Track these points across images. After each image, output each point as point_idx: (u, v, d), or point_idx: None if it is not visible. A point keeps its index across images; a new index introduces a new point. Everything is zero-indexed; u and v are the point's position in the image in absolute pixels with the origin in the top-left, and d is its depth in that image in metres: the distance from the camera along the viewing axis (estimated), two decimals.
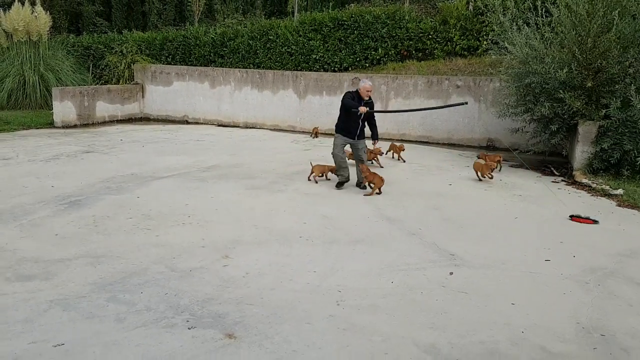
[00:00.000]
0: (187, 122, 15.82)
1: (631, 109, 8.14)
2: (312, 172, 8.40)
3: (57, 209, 6.65)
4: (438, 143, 12.68)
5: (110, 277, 4.73)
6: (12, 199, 7.00)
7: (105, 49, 17.64)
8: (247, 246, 5.58)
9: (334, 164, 8.21)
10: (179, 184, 8.09)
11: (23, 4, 15.85)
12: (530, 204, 7.38)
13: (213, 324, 3.94)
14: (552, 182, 8.86)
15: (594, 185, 8.22)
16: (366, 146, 8.10)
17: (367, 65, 14.93)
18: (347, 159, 8.20)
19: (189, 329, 3.87)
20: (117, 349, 3.59)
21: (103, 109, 15.14)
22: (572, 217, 6.32)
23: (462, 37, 13.84)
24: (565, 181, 8.89)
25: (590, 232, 6.24)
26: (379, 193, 7.65)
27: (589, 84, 8.65)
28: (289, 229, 6.14)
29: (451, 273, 5.00)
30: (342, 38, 14.94)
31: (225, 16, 20.57)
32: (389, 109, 13.10)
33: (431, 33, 14.09)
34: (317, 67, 15.28)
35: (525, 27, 9.47)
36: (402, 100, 13.00)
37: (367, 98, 7.73)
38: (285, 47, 15.57)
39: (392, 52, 14.64)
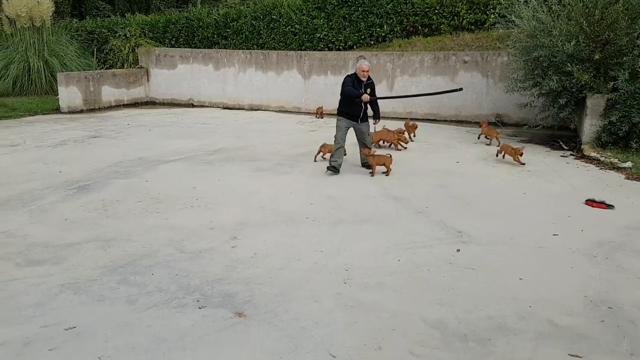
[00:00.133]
0: (193, 106, 15.81)
1: (639, 81, 8.02)
2: (319, 152, 8.39)
3: (66, 194, 6.72)
4: (445, 120, 12.60)
5: (121, 260, 4.80)
6: (21, 185, 7.07)
7: (109, 33, 17.59)
8: (254, 227, 5.62)
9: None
10: (186, 168, 8.12)
11: None
12: (539, 179, 7.35)
13: (223, 304, 3.99)
14: (561, 156, 8.80)
15: (602, 159, 8.16)
16: (369, 130, 7.88)
17: (372, 42, 14.77)
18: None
19: (199, 308, 3.93)
20: (128, 330, 3.65)
21: (109, 93, 15.14)
22: (587, 202, 6.18)
23: (469, 11, 13.62)
24: (574, 155, 8.83)
25: None
26: (385, 174, 7.61)
27: (597, 57, 8.52)
28: (296, 210, 6.16)
29: (458, 250, 5.01)
30: (347, 15, 14.76)
31: None
32: (395, 86, 13.01)
33: (437, 7, 13.87)
34: (322, 46, 15.15)
35: None
36: (409, 78, 12.89)
37: (365, 79, 7.50)
38: (289, 27, 15.42)
39: (398, 28, 14.45)
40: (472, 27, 13.74)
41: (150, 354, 3.37)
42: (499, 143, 9.21)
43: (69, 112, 13.92)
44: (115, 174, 7.72)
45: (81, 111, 14.26)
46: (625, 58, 8.38)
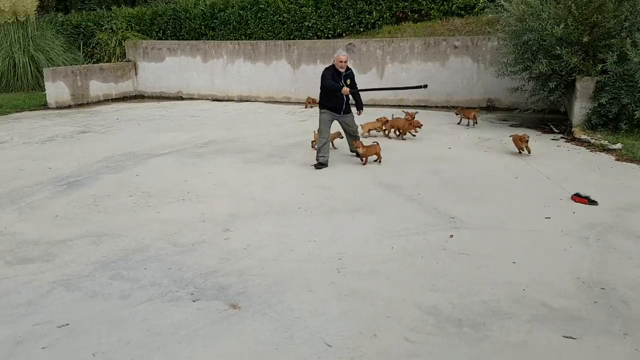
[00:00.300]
0: (182, 98, 15.69)
1: (628, 63, 8.04)
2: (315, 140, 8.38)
3: (56, 191, 6.65)
4: (437, 106, 12.59)
5: (113, 255, 4.76)
6: (9, 183, 6.99)
7: (95, 27, 17.36)
8: (246, 219, 5.59)
9: (338, 131, 8.19)
10: (177, 161, 8.07)
11: None
12: (530, 163, 7.36)
13: (217, 296, 3.98)
14: (552, 139, 8.82)
15: (592, 141, 8.19)
16: (354, 121, 7.73)
17: (362, 29, 14.68)
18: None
19: (193, 301, 3.91)
20: (123, 325, 3.63)
21: (97, 88, 14.98)
22: (573, 196, 5.93)
23: None
24: (564, 138, 8.85)
25: (590, 187, 6.22)
26: (377, 162, 7.59)
27: (586, 39, 8.52)
28: (288, 201, 6.14)
29: (451, 236, 5.02)
30: (335, 3, 14.65)
31: None
32: (385, 73, 12.96)
33: None
34: (310, 34, 15.04)
35: None
36: (399, 65, 12.84)
37: (343, 70, 7.34)
38: (277, 16, 15.29)
39: (387, 14, 14.36)
40: (462, 11, 13.69)
41: (145, 348, 3.35)
42: (475, 122, 10.03)
43: (57, 108, 13.77)
44: (106, 169, 7.65)
45: (69, 106, 14.11)
46: (613, 40, 8.39)
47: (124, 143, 9.38)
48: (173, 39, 16.72)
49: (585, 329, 3.45)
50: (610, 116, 8.40)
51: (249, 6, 15.67)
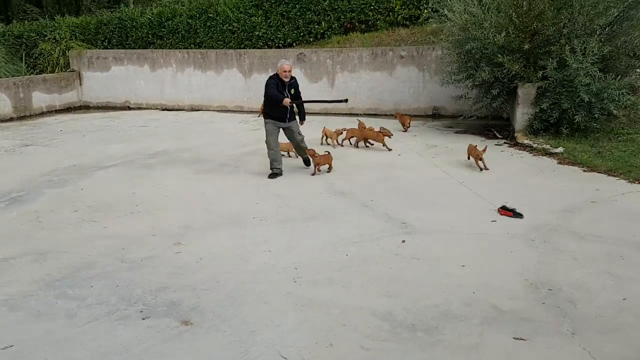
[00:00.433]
0: (129, 108, 15.29)
1: (567, 69, 8.42)
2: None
3: None
4: (386, 114, 12.76)
5: (58, 273, 4.58)
6: None
7: (38, 37, 16.71)
8: (199, 231, 5.50)
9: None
10: (125, 173, 7.85)
11: None
12: (476, 168, 7.57)
13: (168, 313, 3.88)
14: (496, 145, 9.11)
15: (535, 145, 8.52)
16: (299, 129, 7.59)
17: (312, 39, 14.77)
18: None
19: (143, 319, 3.80)
20: (69, 346, 3.48)
21: (40, 99, 14.41)
22: (499, 209, 5.79)
23: (403, 7, 13.86)
24: (507, 143, 9.17)
25: (534, 190, 6.48)
26: (328, 171, 7.56)
27: (526, 47, 8.87)
28: (242, 211, 6.08)
29: (403, 241, 5.10)
30: (285, 13, 14.69)
31: None
32: (336, 82, 13.08)
33: (373, 4, 14.04)
34: (261, 44, 15.00)
35: None
36: (349, 74, 12.98)
37: (287, 79, 7.25)
38: (227, 25, 15.17)
39: (336, 25, 14.52)
40: (407, 22, 13.99)
41: None
42: (409, 127, 10.50)
43: None
44: (49, 183, 7.36)
45: (11, 119, 13.50)
46: (552, 47, 8.75)
47: (68, 156, 9.04)
48: (119, 48, 16.31)
49: (535, 329, 3.57)
50: (552, 121, 8.76)
51: (197, 15, 15.49)
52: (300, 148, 7.72)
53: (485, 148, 7.58)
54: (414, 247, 4.97)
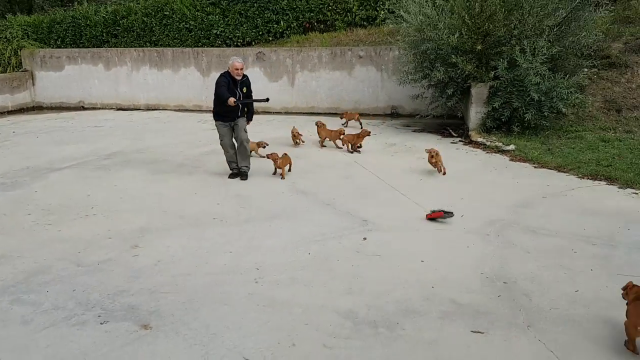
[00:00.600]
0: (84, 108, 14.85)
1: (517, 69, 8.70)
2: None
3: None
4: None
5: (12, 279, 4.43)
6: None
7: None
8: (157, 233, 5.40)
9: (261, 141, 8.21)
10: (79, 175, 7.62)
11: None
12: (432, 166, 7.71)
13: (126, 317, 3.80)
14: (451, 143, 9.33)
15: (488, 143, 8.77)
16: (245, 126, 7.30)
17: (271, 39, 14.72)
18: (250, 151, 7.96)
19: (101, 324, 3.71)
20: (25, 353, 3.38)
21: None
22: (427, 215, 5.66)
23: (360, 8, 13.99)
24: (462, 141, 9.40)
25: (488, 187, 6.67)
26: (289, 171, 7.54)
27: (479, 47, 9.11)
28: (202, 212, 6.01)
29: (364, 238, 5.16)
30: (242, 12, 14.57)
31: None
32: (296, 82, 13.07)
33: (331, 4, 14.12)
34: (219, 42, 14.84)
35: None
36: (309, 73, 13.00)
37: (240, 77, 7.03)
38: (183, 23, 14.94)
39: (295, 24, 14.52)
40: (365, 23, 14.14)
41: None
42: (360, 124, 10.66)
43: None
44: (1, 186, 7.08)
45: None
46: (503, 48, 9.03)
47: (21, 157, 8.72)
48: (73, 47, 15.81)
49: (492, 322, 3.68)
50: (503, 119, 9.04)
51: (153, 13, 15.18)
52: (243, 148, 7.23)
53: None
54: (374, 244, 5.04)
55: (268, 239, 5.22)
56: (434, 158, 7.23)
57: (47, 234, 5.43)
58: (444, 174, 7.17)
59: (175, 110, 14.07)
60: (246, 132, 7.32)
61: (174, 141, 9.87)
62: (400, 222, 5.57)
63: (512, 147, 8.37)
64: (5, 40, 15.60)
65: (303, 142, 9.36)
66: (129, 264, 4.68)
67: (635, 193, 6.30)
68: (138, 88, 14.45)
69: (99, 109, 14.68)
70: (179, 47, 14.75)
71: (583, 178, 6.91)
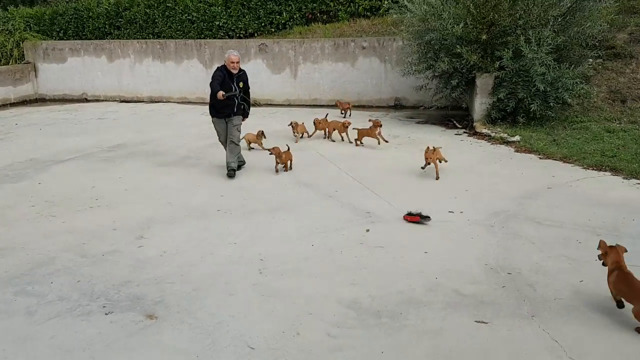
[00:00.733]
0: (87, 100, 14.86)
1: (523, 59, 8.65)
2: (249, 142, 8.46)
3: None
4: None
5: (16, 270, 4.45)
6: None
7: None
8: (162, 224, 5.42)
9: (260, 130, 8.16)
10: (83, 166, 7.64)
11: None
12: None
13: (132, 307, 3.82)
14: (455, 134, 9.30)
15: (493, 134, 8.73)
16: (240, 124, 7.13)
17: (273, 30, 14.66)
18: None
19: (106, 314, 3.73)
20: (29, 344, 3.40)
21: None
22: (405, 216, 5.46)
23: None
24: (467, 132, 9.36)
25: (493, 178, 6.65)
26: (290, 168, 7.30)
27: (484, 37, 9.05)
28: (206, 203, 6.02)
29: (368, 230, 5.16)
30: (245, 2, 14.49)
31: None
32: (298, 73, 13.03)
33: None
34: (222, 34, 14.79)
35: None
36: (311, 65, 12.96)
37: (236, 71, 6.87)
38: (186, 15, 14.89)
39: (297, 15, 14.44)
40: (368, 13, 14.05)
41: None
42: (349, 114, 11.00)
43: None
44: (5, 178, 7.11)
45: None
46: (509, 38, 8.97)
47: (24, 150, 8.74)
48: (75, 39, 15.80)
49: (496, 313, 3.68)
50: (509, 110, 8.99)
51: (155, 4, 15.13)
52: (233, 146, 7.00)
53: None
54: (378, 235, 5.03)
55: (272, 230, 5.22)
56: (430, 158, 6.73)
57: (51, 225, 5.45)
58: (437, 178, 6.72)
59: (178, 102, 14.06)
60: (239, 131, 7.10)
61: (178, 133, 9.88)
62: (403, 214, 5.55)
63: (517, 138, 8.34)
64: (7, 32, 15.60)
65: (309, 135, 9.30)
66: (134, 255, 4.70)
67: None
68: (141, 80, 14.44)
69: (102, 101, 14.69)
70: (182, 39, 14.72)
71: (588, 169, 6.88)
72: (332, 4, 14.14)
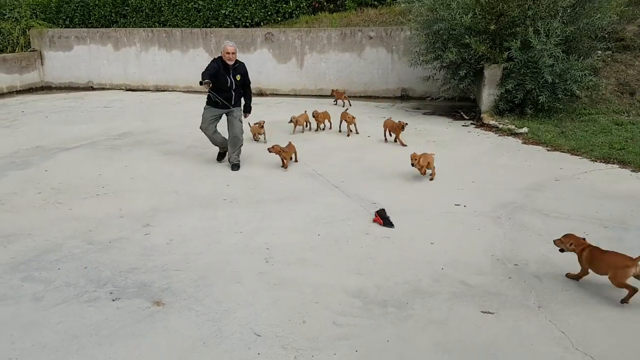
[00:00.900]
0: (93, 89, 14.87)
1: (531, 50, 8.57)
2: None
3: None
4: (355, 96, 12.76)
5: (23, 256, 4.47)
6: None
7: None
8: (168, 213, 5.42)
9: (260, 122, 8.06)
10: (90, 154, 7.65)
11: None
12: (443, 149, 7.67)
13: (139, 294, 3.83)
14: (463, 125, 9.25)
15: (500, 126, 8.68)
16: (241, 116, 7.00)
17: (280, 19, 14.58)
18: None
19: (113, 300, 3.75)
20: (36, 329, 3.41)
21: (0, 80, 13.88)
22: (375, 213, 5.25)
23: None
24: (474, 124, 9.31)
25: (500, 170, 6.62)
26: (295, 161, 7.18)
27: (492, 28, 8.98)
28: (212, 192, 6.02)
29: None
30: None
31: None
32: (305, 63, 12.97)
33: None
34: (228, 22, 14.74)
35: None
36: (317, 55, 12.90)
37: (231, 62, 6.68)
38: (192, 3, 14.83)
39: (304, 4, 14.36)
40: (376, 2, 13.95)
41: (63, 352, 3.18)
42: (348, 102, 11.17)
43: None
44: (11, 165, 7.12)
45: None
46: (518, 29, 8.89)
47: (30, 137, 8.76)
48: (81, 27, 15.78)
49: (502, 303, 3.67)
50: (516, 102, 8.94)
51: None
52: (236, 140, 6.87)
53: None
54: (384, 226, 5.02)
55: (278, 220, 5.22)
56: (419, 163, 6.21)
57: (57, 212, 5.47)
58: (432, 179, 6.39)
59: (184, 91, 14.04)
60: (241, 122, 6.95)
61: (184, 122, 9.86)
62: (409, 205, 5.55)
63: (525, 129, 8.29)
64: (13, 19, 15.59)
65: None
66: (141, 242, 4.71)
67: None
68: (147, 69, 14.43)
69: (108, 89, 14.69)
70: (188, 27, 14.67)
71: (596, 161, 6.84)
72: None
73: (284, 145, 6.99)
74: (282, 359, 3.10)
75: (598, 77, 9.20)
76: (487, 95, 9.37)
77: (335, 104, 11.24)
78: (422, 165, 6.26)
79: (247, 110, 7.15)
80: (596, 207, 5.33)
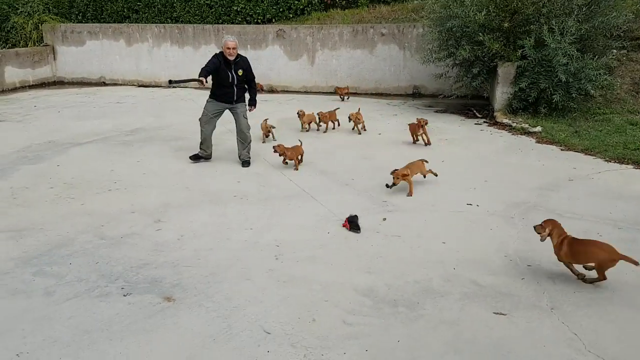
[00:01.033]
0: (105, 84, 14.94)
1: (545, 49, 8.48)
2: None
3: None
4: (366, 93, 12.72)
5: (35, 250, 4.50)
6: None
7: (10, 10, 16.13)
8: (179, 209, 5.44)
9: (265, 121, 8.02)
10: (102, 150, 7.70)
11: None
12: (456, 147, 7.63)
13: (150, 289, 3.85)
14: (475, 124, 9.18)
15: (514, 125, 8.60)
16: (246, 112, 6.97)
17: (291, 15, 14.57)
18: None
19: (124, 296, 3.76)
20: (48, 324, 3.44)
21: (13, 74, 13.98)
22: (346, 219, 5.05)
23: None
24: (487, 122, 9.24)
25: (513, 169, 6.56)
26: (300, 161, 6.92)
27: (506, 25, 8.89)
28: (223, 189, 6.03)
29: (384, 219, 5.12)
30: None
31: None
32: (316, 60, 12.94)
33: None
34: (240, 19, 14.75)
35: None
36: (329, 51, 12.86)
37: (232, 57, 6.64)
38: None
39: (316, 1, 14.34)
40: None
41: (74, 346, 3.20)
42: (348, 97, 11.50)
43: None
44: (24, 160, 7.18)
45: None
46: (532, 27, 8.80)
47: (43, 132, 8.82)
48: (94, 22, 15.87)
49: (515, 304, 3.64)
50: (530, 100, 8.84)
51: None
52: (243, 136, 6.90)
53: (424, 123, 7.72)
54: (394, 224, 5.00)
55: (288, 217, 5.22)
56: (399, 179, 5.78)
57: (69, 207, 5.50)
58: (427, 177, 6.24)
59: (196, 88, 14.04)
60: (246, 118, 6.93)
61: (195, 119, 9.77)
62: (421, 204, 5.52)
63: (538, 128, 8.21)
64: (26, 14, 15.70)
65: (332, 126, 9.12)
66: (152, 238, 4.73)
67: None
68: (159, 65, 14.47)
69: (120, 85, 14.76)
70: (200, 23, 14.69)
71: (610, 161, 6.76)
72: None
73: (292, 145, 6.94)
74: (292, 357, 3.10)
75: (613, 76, 9.08)
76: (501, 94, 9.29)
77: (342, 100, 11.35)
78: (400, 177, 5.78)
79: (252, 103, 7.10)
80: (610, 208, 5.26)
